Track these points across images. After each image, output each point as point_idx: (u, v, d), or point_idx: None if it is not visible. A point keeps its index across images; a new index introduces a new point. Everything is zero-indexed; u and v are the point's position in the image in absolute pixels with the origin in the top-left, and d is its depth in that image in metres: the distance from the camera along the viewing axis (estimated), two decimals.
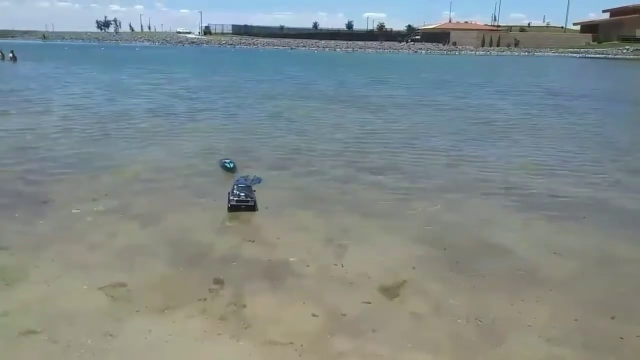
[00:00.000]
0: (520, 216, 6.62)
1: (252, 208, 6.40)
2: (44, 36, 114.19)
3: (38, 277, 4.50)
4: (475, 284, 4.69)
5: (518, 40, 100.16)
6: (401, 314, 4.12)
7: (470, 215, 6.60)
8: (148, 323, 3.84)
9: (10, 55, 37.15)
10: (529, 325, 4.01)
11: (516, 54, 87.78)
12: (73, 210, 6.26)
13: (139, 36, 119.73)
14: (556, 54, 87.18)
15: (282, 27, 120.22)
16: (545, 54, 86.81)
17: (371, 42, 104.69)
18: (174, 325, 3.83)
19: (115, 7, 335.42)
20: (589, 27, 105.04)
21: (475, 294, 4.49)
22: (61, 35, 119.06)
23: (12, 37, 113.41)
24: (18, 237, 5.37)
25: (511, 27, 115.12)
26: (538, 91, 24.21)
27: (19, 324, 3.75)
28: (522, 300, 4.39)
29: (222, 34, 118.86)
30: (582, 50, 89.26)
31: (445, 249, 5.42)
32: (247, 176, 7.62)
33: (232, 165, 8.46)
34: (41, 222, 5.87)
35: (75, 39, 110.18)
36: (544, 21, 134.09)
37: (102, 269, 4.70)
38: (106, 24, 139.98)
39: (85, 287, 4.36)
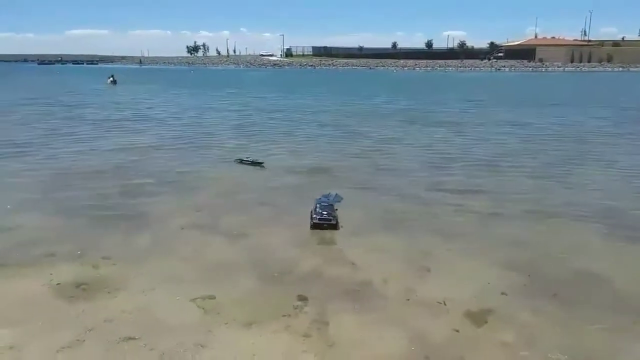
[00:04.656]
0: (616, 244, 6.19)
1: (334, 226, 6.46)
2: (140, 61, 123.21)
3: (136, 287, 4.82)
4: (568, 315, 4.42)
5: (611, 56, 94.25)
6: (490, 343, 3.97)
7: (560, 241, 6.26)
8: (236, 336, 3.98)
9: (111, 79, 40.33)
10: None
11: (609, 69, 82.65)
12: (167, 225, 6.65)
13: (225, 60, 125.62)
14: None
15: (360, 48, 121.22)
16: None
17: (451, 60, 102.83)
18: (260, 339, 3.94)
19: (204, 32, 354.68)
20: None
21: (568, 326, 4.24)
22: (155, 60, 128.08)
23: (111, 62, 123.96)
24: (119, 249, 5.79)
25: (603, 41, 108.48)
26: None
27: (120, 330, 4.03)
28: (622, 336, 4.09)
29: (303, 55, 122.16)
30: None
31: (529, 276, 5.18)
32: (329, 194, 7.72)
33: (261, 160, 10.21)
34: (138, 235, 6.29)
35: (168, 63, 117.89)
36: (639, 35, 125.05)
37: (193, 282, 4.94)
38: (195, 48, 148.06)
39: (178, 298, 4.60)
